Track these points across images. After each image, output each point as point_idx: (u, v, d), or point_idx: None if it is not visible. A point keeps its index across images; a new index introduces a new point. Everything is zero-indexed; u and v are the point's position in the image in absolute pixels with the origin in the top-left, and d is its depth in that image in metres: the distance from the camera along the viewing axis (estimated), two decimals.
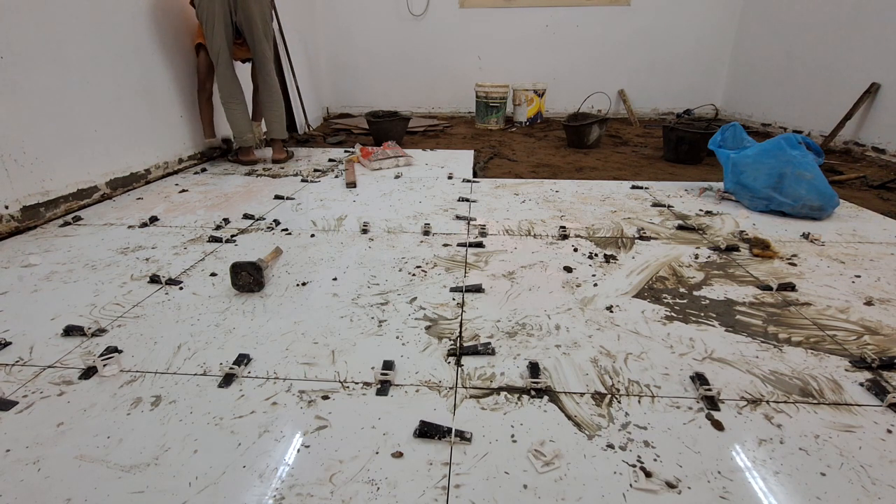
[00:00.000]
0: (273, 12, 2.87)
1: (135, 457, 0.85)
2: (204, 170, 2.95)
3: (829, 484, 0.80)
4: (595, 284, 1.50)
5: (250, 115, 3.14)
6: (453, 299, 1.40)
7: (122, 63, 2.43)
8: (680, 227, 1.99)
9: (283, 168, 3.01)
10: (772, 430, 0.92)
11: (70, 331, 1.22)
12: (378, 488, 0.79)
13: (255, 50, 2.89)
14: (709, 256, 1.71)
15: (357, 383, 1.04)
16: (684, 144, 3.16)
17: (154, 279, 1.50)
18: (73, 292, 1.44)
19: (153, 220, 2.04)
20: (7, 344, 1.18)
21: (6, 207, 1.86)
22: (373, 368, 1.09)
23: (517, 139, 4.13)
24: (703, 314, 1.33)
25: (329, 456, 0.85)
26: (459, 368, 1.09)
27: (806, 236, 1.89)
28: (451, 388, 1.03)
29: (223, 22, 2.70)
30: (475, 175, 2.89)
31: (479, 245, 1.79)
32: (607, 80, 5.16)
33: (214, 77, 2.90)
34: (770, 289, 1.47)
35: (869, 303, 1.39)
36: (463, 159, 3.29)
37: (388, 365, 1.09)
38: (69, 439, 0.89)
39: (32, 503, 0.76)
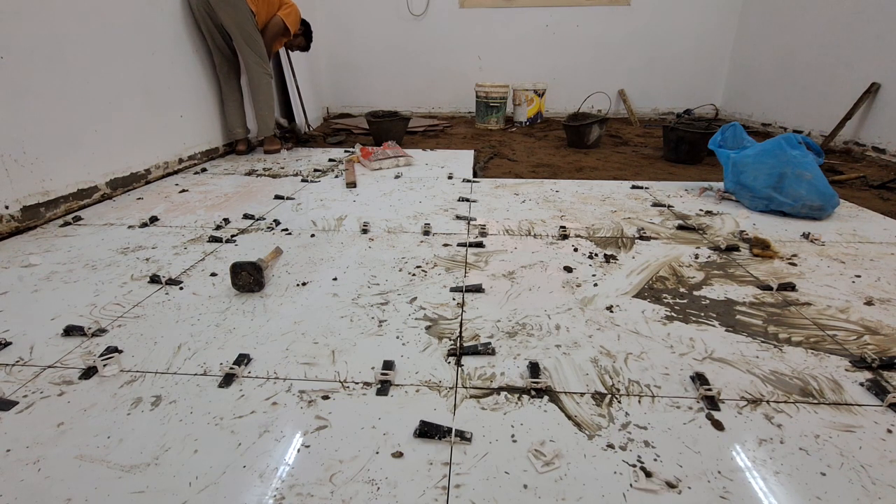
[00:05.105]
0: (253, 18, 3.09)
1: (135, 457, 0.85)
2: (204, 170, 2.95)
3: (829, 484, 0.80)
4: (595, 284, 1.50)
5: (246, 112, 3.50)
6: (453, 299, 1.40)
7: (123, 63, 2.43)
8: (680, 227, 1.99)
9: (283, 168, 3.01)
10: (772, 430, 0.92)
11: (70, 331, 1.22)
12: (378, 488, 0.79)
13: (239, 54, 3.20)
14: (709, 256, 1.71)
15: (357, 383, 1.04)
16: (684, 144, 3.16)
17: (154, 279, 1.50)
18: (74, 292, 1.44)
19: (153, 220, 2.04)
20: (7, 344, 1.18)
21: (6, 207, 1.86)
22: (373, 368, 1.09)
23: (517, 139, 4.13)
24: (703, 314, 1.33)
25: (329, 456, 0.85)
26: (459, 368, 1.09)
27: (806, 236, 1.89)
28: (451, 388, 1.03)
29: (208, 32, 3.03)
30: (475, 175, 2.89)
31: (479, 245, 1.79)
32: (607, 80, 5.16)
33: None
34: (770, 289, 1.47)
35: (869, 303, 1.39)
36: (463, 159, 3.29)
37: (388, 365, 1.08)
38: (69, 439, 0.89)
39: (32, 503, 0.76)
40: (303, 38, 3.62)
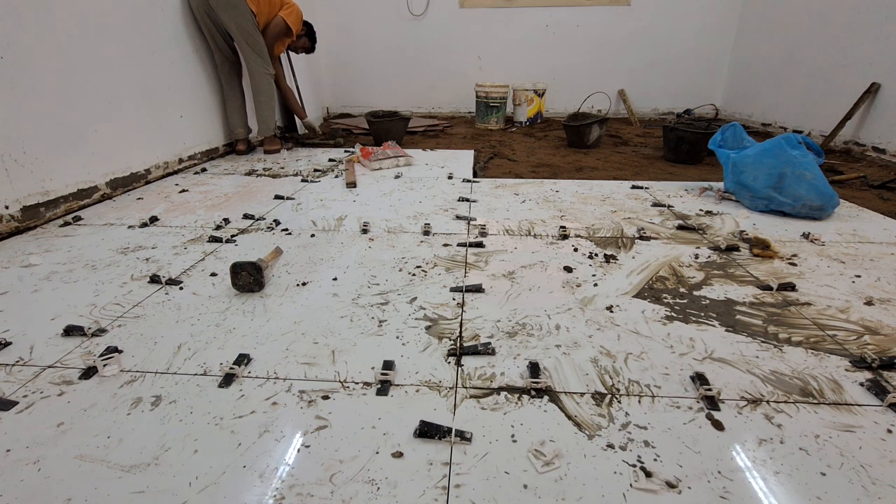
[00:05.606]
0: (255, 21, 3.10)
1: (135, 457, 0.85)
2: (204, 170, 2.95)
3: (829, 484, 0.80)
4: (595, 284, 1.50)
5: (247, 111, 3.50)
6: (453, 299, 1.40)
7: (122, 63, 2.43)
8: (680, 227, 1.99)
9: (283, 168, 3.01)
10: (772, 430, 0.92)
11: (70, 331, 1.22)
12: (378, 488, 0.79)
13: (240, 54, 3.22)
14: (709, 256, 1.71)
15: (357, 383, 1.04)
16: (684, 144, 3.16)
17: (154, 279, 1.50)
18: (74, 292, 1.44)
19: (153, 220, 2.04)
20: (7, 344, 1.18)
21: (6, 207, 1.86)
22: (373, 368, 1.09)
23: (517, 139, 4.13)
24: (703, 314, 1.33)
25: (329, 456, 0.85)
26: (459, 368, 1.09)
27: (806, 236, 1.89)
28: (451, 388, 1.03)
29: (208, 32, 3.04)
30: (475, 175, 2.89)
31: (479, 245, 1.79)
32: (607, 80, 5.16)
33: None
34: (770, 289, 1.47)
35: (869, 303, 1.39)
36: (463, 159, 3.29)
37: (388, 365, 1.08)
38: (69, 439, 0.89)
39: (32, 503, 0.76)
40: (306, 38, 3.62)
